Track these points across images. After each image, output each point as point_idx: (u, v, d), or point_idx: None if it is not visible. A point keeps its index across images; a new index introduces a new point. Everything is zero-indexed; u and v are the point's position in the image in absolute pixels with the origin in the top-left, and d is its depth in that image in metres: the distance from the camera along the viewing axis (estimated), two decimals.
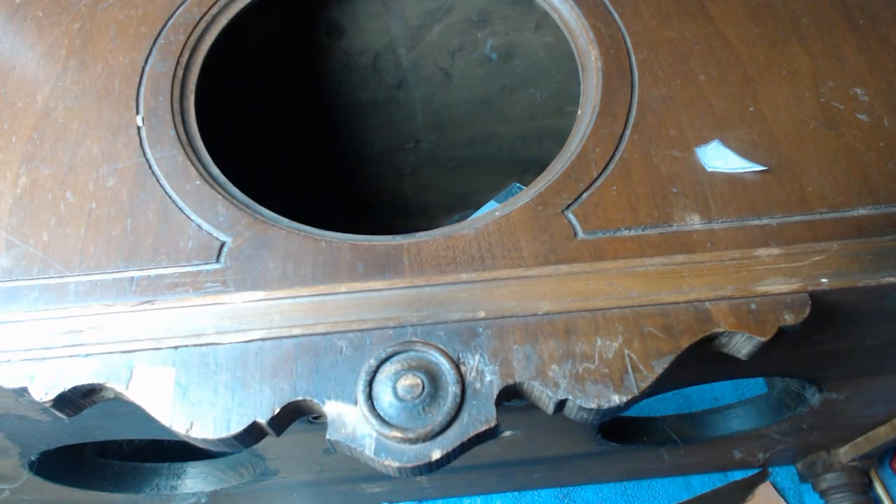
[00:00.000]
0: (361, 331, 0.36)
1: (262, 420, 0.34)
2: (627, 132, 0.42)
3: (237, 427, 0.33)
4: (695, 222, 0.39)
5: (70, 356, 0.35)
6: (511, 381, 0.34)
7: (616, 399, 0.34)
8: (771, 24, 0.46)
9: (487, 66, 0.69)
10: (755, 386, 0.81)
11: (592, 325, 0.36)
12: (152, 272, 0.38)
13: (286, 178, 0.78)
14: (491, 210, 0.40)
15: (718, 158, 0.41)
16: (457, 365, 0.34)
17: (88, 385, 0.35)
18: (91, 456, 0.59)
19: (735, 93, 0.43)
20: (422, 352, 0.35)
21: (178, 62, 0.46)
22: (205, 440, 0.34)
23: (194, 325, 0.36)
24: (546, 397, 0.34)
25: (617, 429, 0.63)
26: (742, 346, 0.36)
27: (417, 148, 0.78)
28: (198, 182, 0.41)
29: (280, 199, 0.48)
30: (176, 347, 0.35)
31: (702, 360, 0.38)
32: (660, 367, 0.34)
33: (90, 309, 0.37)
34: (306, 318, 0.36)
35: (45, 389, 0.35)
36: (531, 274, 0.37)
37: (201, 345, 0.35)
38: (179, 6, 0.48)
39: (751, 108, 0.43)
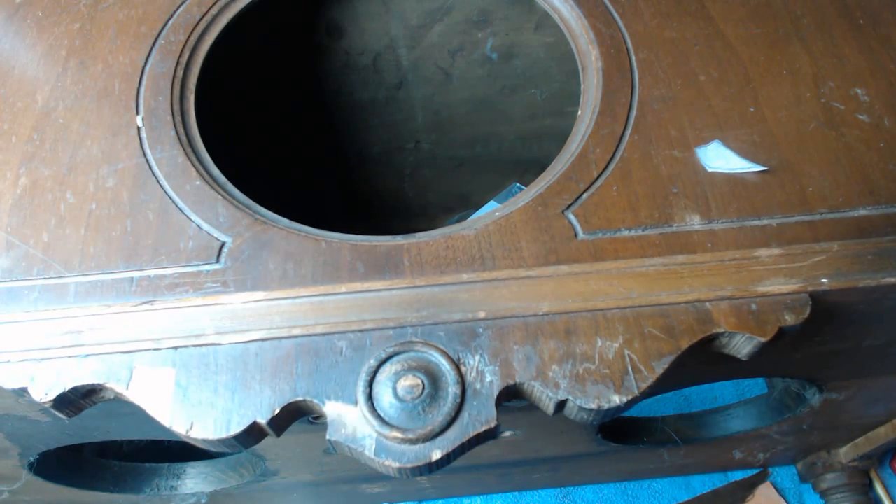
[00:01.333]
0: (361, 331, 0.36)
1: (263, 420, 0.34)
2: (628, 132, 0.42)
3: (237, 428, 0.33)
4: (695, 223, 0.39)
5: (70, 357, 0.35)
6: (511, 382, 0.34)
7: (616, 399, 0.34)
8: (771, 24, 0.46)
9: (488, 66, 0.69)
10: (755, 386, 0.81)
11: (593, 325, 0.35)
12: (152, 272, 0.38)
13: (286, 178, 0.78)
14: (491, 210, 0.40)
15: (719, 159, 0.41)
16: (457, 365, 0.34)
17: (88, 385, 0.35)
18: (91, 456, 0.59)
19: (735, 93, 0.43)
20: (422, 352, 0.35)
21: (178, 62, 0.46)
22: (205, 441, 0.34)
23: (194, 325, 0.36)
24: (546, 398, 0.34)
25: (617, 429, 0.62)
26: (742, 346, 0.36)
27: (417, 148, 0.78)
28: (198, 182, 0.41)
29: (280, 200, 0.48)
30: (176, 348, 0.35)
31: (702, 361, 0.38)
32: (660, 367, 0.34)
33: (90, 309, 0.37)
34: (306, 319, 0.36)
35: (44, 390, 0.34)
36: (531, 274, 0.37)
37: (201, 345, 0.35)
38: (179, 6, 0.48)
39: (751, 109, 0.43)
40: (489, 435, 0.34)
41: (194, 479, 0.61)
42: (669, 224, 0.39)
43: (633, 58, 0.45)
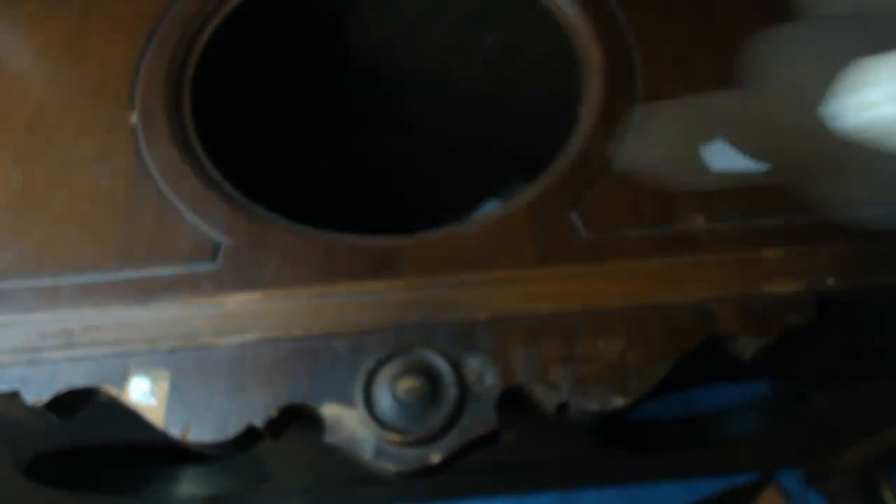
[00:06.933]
0: (360, 332, 0.35)
1: (259, 423, 0.33)
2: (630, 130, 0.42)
3: (234, 430, 0.33)
4: (699, 222, 0.38)
5: (63, 359, 0.35)
6: (512, 384, 0.34)
7: (618, 401, 0.33)
8: (777, 20, 0.46)
9: (488, 63, 0.69)
10: (760, 388, 0.81)
11: (594, 326, 0.35)
12: (147, 272, 0.37)
13: (283, 177, 0.78)
14: (492, 210, 0.40)
15: (723, 157, 0.40)
16: (457, 367, 0.34)
17: (82, 388, 0.34)
18: (85, 459, 0.59)
19: (740, 90, 0.43)
20: (421, 354, 0.34)
21: (173, 59, 0.46)
22: (201, 444, 0.33)
23: (190, 326, 0.36)
24: (547, 400, 0.34)
25: (619, 432, 0.62)
26: (746, 347, 0.35)
27: (416, 147, 0.78)
28: (194, 181, 0.40)
29: (277, 199, 0.47)
30: (171, 349, 0.35)
31: (705, 362, 0.37)
32: (662, 369, 0.34)
33: (84, 310, 0.36)
34: (304, 320, 0.36)
35: (37, 393, 0.34)
36: (532, 274, 0.37)
37: (197, 347, 0.35)
38: (175, 2, 0.48)
39: (756, 107, 0.42)
40: (489, 438, 0.33)
41: (190, 482, 0.61)
42: (672, 224, 0.38)
43: (636, 55, 0.45)
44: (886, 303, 0.38)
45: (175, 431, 0.33)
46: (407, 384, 0.33)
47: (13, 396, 0.34)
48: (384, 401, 0.33)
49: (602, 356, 0.34)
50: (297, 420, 0.35)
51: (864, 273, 0.36)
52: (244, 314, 0.36)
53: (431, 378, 0.34)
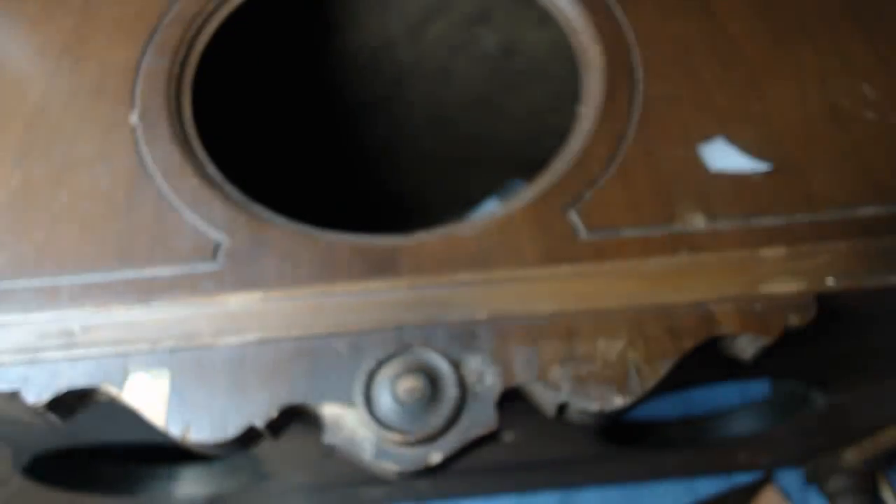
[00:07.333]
0: (360, 332, 0.35)
1: (259, 423, 0.33)
2: (630, 131, 0.42)
3: (234, 430, 0.33)
4: (699, 222, 0.38)
5: (63, 359, 0.35)
6: (512, 384, 0.34)
7: (618, 401, 0.33)
8: (777, 20, 0.46)
9: (488, 63, 0.68)
10: (760, 388, 0.81)
11: (595, 326, 0.35)
12: (147, 272, 0.37)
13: (284, 176, 0.78)
14: (491, 210, 0.40)
15: (723, 157, 0.40)
16: (457, 367, 0.34)
17: (82, 388, 0.34)
18: (85, 459, 0.59)
19: (740, 90, 0.43)
20: (421, 353, 0.34)
21: (173, 59, 0.46)
22: (201, 444, 0.33)
23: (190, 326, 0.35)
24: (548, 400, 0.34)
25: (619, 431, 0.62)
26: (746, 347, 0.35)
27: (417, 147, 0.78)
28: (194, 181, 0.40)
29: (278, 198, 0.47)
30: (171, 349, 0.35)
31: (705, 362, 0.37)
32: (663, 368, 0.34)
33: (84, 310, 0.36)
34: (304, 320, 0.36)
35: (38, 392, 0.34)
36: (532, 274, 0.37)
37: (197, 346, 0.35)
38: (175, 2, 0.48)
39: (756, 106, 0.42)
40: (490, 437, 0.33)
41: (189, 482, 0.61)
42: (672, 224, 0.38)
43: (636, 55, 0.45)
44: (886, 303, 0.37)
45: (175, 431, 0.33)
46: (407, 384, 0.33)
47: (13, 396, 0.34)
48: (384, 401, 0.33)
49: (602, 356, 0.34)
50: (297, 420, 0.35)
51: (864, 273, 0.36)
52: (244, 314, 0.36)
53: (431, 378, 0.34)
